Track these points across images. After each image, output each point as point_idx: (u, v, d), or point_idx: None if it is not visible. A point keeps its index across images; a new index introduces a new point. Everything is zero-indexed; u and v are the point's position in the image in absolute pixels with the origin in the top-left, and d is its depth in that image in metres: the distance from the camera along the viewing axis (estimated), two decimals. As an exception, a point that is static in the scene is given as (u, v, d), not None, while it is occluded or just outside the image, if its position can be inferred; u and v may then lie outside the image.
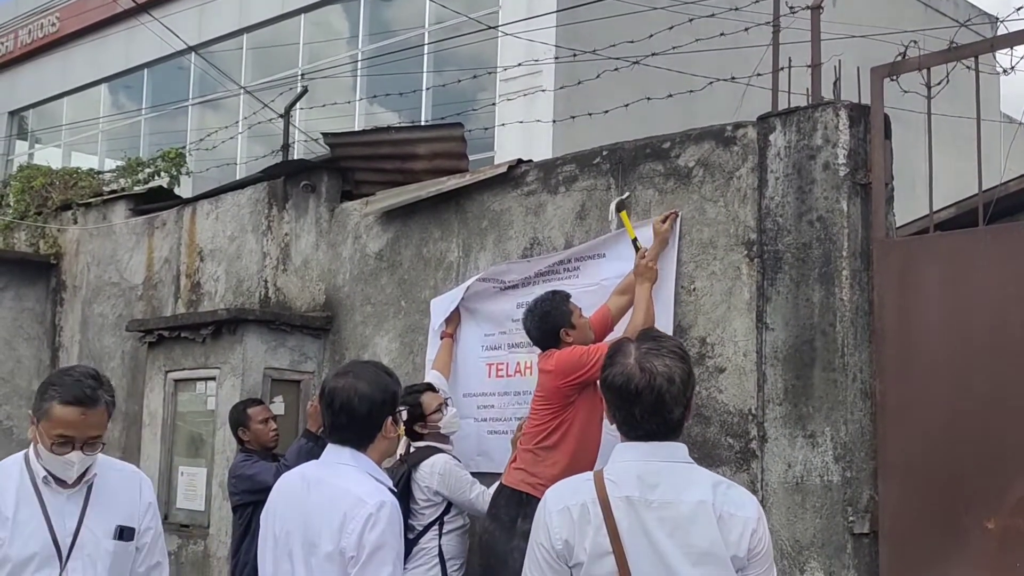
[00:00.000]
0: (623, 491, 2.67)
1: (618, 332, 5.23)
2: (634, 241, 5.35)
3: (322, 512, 3.28)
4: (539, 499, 5.13)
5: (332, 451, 3.45)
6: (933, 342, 4.54)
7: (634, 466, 2.71)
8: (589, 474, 2.79)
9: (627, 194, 5.54)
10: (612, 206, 5.50)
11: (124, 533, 3.55)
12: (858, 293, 4.74)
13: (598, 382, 2.81)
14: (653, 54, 7.80)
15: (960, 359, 4.45)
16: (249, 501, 5.99)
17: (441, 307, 6.39)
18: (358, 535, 3.19)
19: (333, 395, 3.40)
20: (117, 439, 8.66)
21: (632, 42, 8.08)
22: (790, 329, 4.86)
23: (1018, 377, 4.30)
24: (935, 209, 5.02)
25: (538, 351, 5.33)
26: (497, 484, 5.35)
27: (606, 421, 5.30)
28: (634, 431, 2.73)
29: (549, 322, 5.21)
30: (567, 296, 5.31)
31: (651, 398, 2.66)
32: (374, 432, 3.44)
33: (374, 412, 3.40)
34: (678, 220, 5.36)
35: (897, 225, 5.01)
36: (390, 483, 3.43)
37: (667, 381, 2.67)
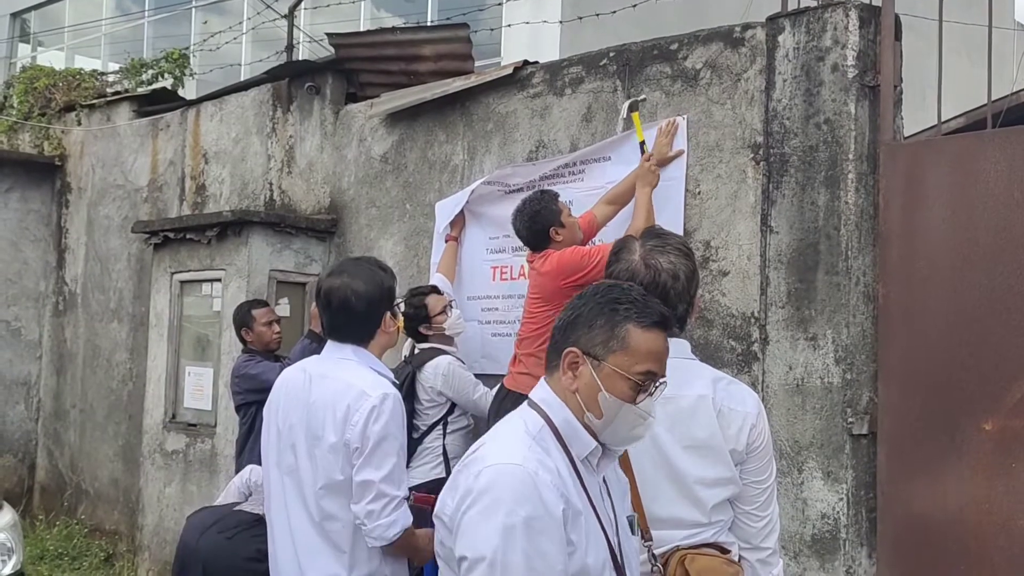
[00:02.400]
0: None
1: (620, 233, 5.22)
2: (642, 144, 5.31)
3: (325, 405, 3.32)
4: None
5: (333, 347, 3.48)
6: (937, 246, 4.53)
7: None
8: None
9: (643, 96, 5.45)
10: (625, 105, 5.42)
11: (633, 527, 2.57)
12: (863, 196, 4.72)
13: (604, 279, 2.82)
14: (663, -46, 7.67)
15: (963, 263, 4.45)
16: (253, 400, 6.06)
17: (446, 210, 6.38)
18: (362, 427, 3.23)
19: (329, 295, 3.41)
20: (124, 340, 8.75)
21: (642, -59, 7.92)
22: (794, 232, 4.86)
23: (1020, 280, 4.30)
24: (944, 119, 4.98)
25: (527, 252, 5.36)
26: (498, 386, 5.39)
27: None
28: None
29: (539, 221, 5.20)
30: (556, 195, 5.31)
31: (656, 294, 2.65)
32: (374, 328, 3.47)
33: (372, 309, 3.42)
34: (682, 127, 5.31)
35: (905, 135, 4.97)
36: (391, 376, 3.47)
37: (672, 277, 2.69)
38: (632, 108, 5.40)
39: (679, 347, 2.75)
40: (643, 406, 2.36)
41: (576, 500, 2.31)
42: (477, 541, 2.21)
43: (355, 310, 3.39)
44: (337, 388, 3.32)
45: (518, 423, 2.41)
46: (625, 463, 2.64)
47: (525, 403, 2.47)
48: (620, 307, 2.38)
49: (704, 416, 2.68)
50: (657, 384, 2.37)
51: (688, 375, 2.73)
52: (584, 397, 2.36)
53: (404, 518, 3.30)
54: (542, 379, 2.49)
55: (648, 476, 2.66)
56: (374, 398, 3.26)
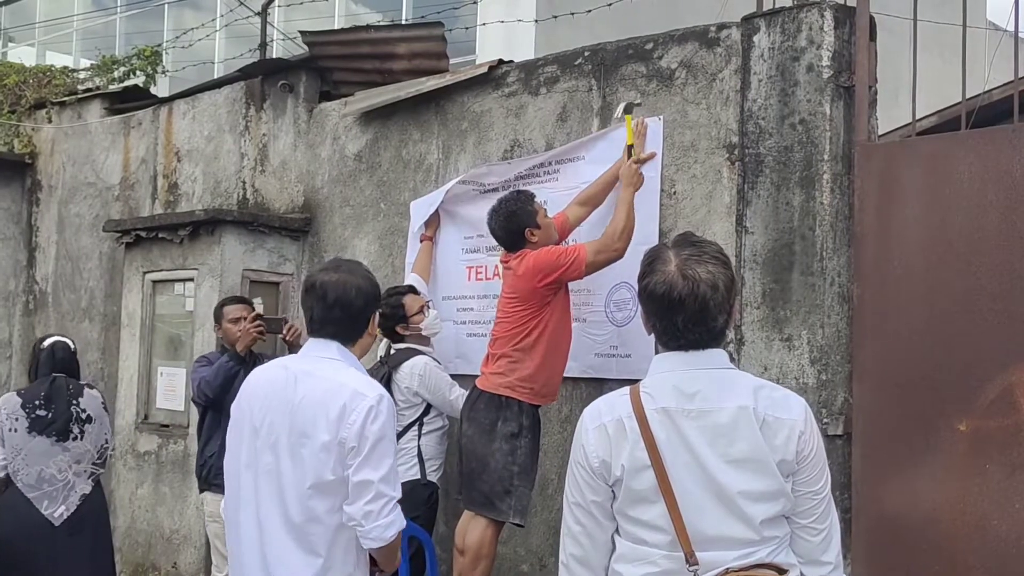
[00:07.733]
0: (659, 403, 2.57)
1: (597, 234, 5.20)
2: (630, 147, 5.24)
3: (315, 403, 3.28)
4: (517, 400, 5.19)
5: (317, 345, 3.44)
6: (911, 246, 4.54)
7: (671, 376, 2.60)
8: (626, 389, 2.66)
9: (639, 101, 5.41)
10: (621, 106, 5.35)
11: None
12: (838, 197, 4.73)
13: (637, 291, 2.70)
14: (638, -47, 7.67)
15: (938, 263, 4.46)
16: (201, 403, 5.96)
17: (421, 209, 6.35)
18: (360, 426, 3.22)
19: (326, 289, 3.39)
20: (96, 340, 8.67)
21: (617, -60, 7.92)
22: (769, 233, 4.86)
23: (993, 281, 4.31)
24: (917, 117, 4.99)
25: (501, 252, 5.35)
26: (472, 388, 5.36)
27: (578, 321, 5.33)
28: (675, 341, 2.60)
29: (515, 222, 5.19)
30: (532, 196, 5.30)
31: (694, 307, 2.53)
32: (363, 328, 3.48)
33: (368, 308, 3.47)
34: (657, 127, 5.30)
35: (879, 133, 4.98)
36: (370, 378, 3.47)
37: (711, 288, 2.53)
38: (627, 110, 5.34)
39: (716, 358, 2.62)
40: None
41: None
42: None
43: (353, 306, 3.40)
44: (328, 387, 3.29)
45: None
46: (664, 482, 2.53)
47: None
48: None
49: (746, 428, 2.53)
50: None
51: (725, 386, 2.59)
52: None
53: (400, 520, 3.29)
54: None
55: (691, 494, 2.52)
56: (371, 398, 3.26)
